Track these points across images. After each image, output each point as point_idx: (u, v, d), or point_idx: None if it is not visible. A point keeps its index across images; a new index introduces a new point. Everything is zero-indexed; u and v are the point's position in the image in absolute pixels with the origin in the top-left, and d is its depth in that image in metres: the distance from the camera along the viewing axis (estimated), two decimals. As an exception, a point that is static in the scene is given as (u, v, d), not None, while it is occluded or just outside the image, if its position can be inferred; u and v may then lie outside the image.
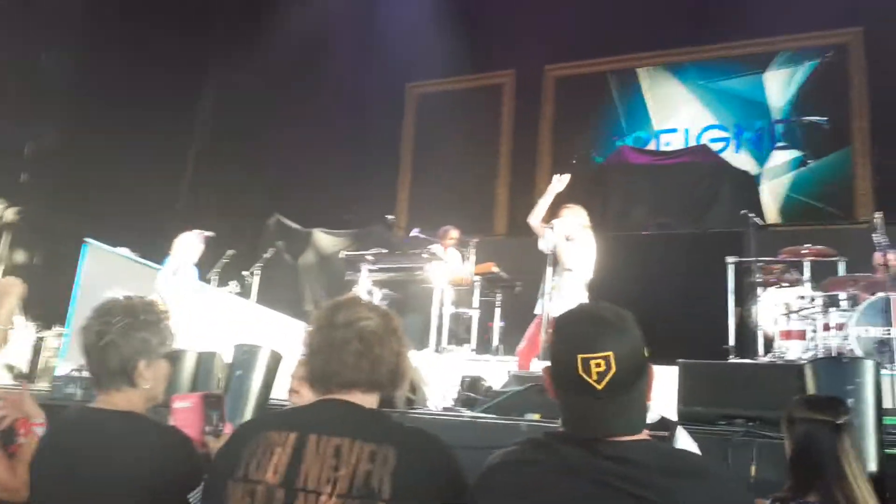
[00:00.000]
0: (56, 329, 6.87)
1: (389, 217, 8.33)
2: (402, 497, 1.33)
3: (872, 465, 2.46)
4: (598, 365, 1.21)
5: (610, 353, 1.21)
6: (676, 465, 1.21)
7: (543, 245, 5.59)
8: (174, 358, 1.92)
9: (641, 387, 1.26)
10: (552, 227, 5.42)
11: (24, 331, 7.13)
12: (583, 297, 5.38)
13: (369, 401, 1.53)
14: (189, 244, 6.25)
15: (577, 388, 1.23)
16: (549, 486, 1.19)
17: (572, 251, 5.44)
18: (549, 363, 1.34)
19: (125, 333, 1.76)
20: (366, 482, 1.34)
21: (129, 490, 1.64)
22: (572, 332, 1.28)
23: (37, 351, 6.85)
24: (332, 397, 1.50)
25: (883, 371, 3.02)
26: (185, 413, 2.00)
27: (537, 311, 5.52)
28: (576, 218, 5.57)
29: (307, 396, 3.40)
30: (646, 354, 1.29)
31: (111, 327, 1.75)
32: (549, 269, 5.37)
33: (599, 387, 1.21)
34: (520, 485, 1.22)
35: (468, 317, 7.09)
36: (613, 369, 1.21)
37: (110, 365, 1.76)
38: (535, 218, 5.74)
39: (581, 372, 1.22)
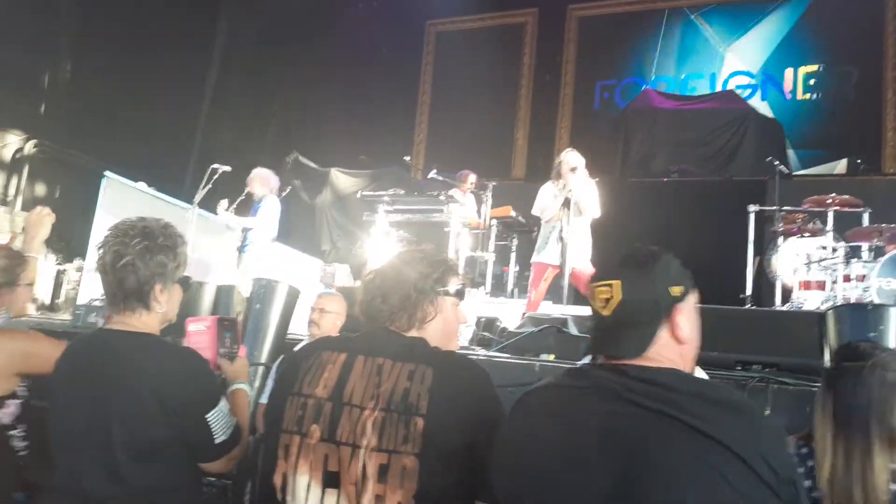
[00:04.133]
0: (77, 262, 6.96)
1: (407, 158, 8.24)
2: (438, 412, 1.43)
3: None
4: (601, 293, 1.32)
5: (616, 282, 1.31)
6: (711, 394, 1.22)
7: (546, 206, 5.37)
8: (187, 284, 1.89)
9: (660, 324, 1.31)
10: (573, 170, 5.22)
11: (45, 263, 7.23)
12: (590, 239, 5.30)
13: (411, 334, 1.62)
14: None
15: (594, 314, 1.35)
16: (583, 404, 1.24)
17: (589, 193, 5.30)
18: None
19: (143, 255, 1.74)
20: (404, 398, 1.45)
21: (147, 409, 1.66)
22: (599, 265, 1.41)
23: (58, 283, 6.95)
24: (379, 326, 1.62)
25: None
26: (199, 335, 2.02)
27: (547, 260, 5.34)
28: (582, 159, 5.36)
29: (326, 329, 3.45)
30: (673, 294, 1.32)
31: (129, 248, 1.73)
32: (566, 216, 5.14)
33: (604, 312, 1.31)
34: (556, 404, 1.29)
35: (484, 260, 7.09)
36: (618, 297, 1.30)
37: (127, 286, 1.75)
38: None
39: (592, 300, 1.34)
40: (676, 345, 1.31)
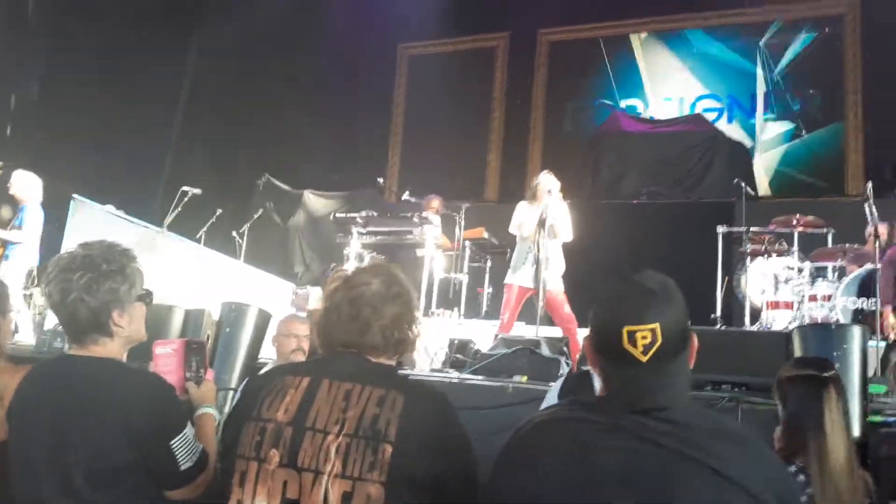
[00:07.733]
0: (44, 286, 6.80)
1: (380, 180, 8.26)
2: (407, 440, 1.39)
3: (856, 431, 2.48)
4: (644, 337, 1.20)
5: (656, 325, 1.20)
6: (722, 429, 1.22)
7: (523, 221, 5.37)
8: (149, 299, 1.83)
9: (685, 355, 1.27)
10: (549, 192, 5.27)
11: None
12: (563, 262, 5.33)
13: (381, 360, 1.58)
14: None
15: (622, 359, 1.22)
16: (602, 442, 1.19)
17: (563, 216, 5.34)
18: (589, 334, 1.32)
19: (89, 288, 1.69)
20: (372, 424, 1.40)
21: (109, 435, 1.62)
22: (618, 304, 1.26)
23: (26, 307, 6.79)
24: (345, 350, 1.56)
25: (869, 341, 3.05)
26: (166, 358, 1.99)
27: (522, 283, 5.33)
28: (557, 182, 5.41)
29: (307, 354, 3.41)
30: (688, 323, 1.29)
31: (73, 284, 1.68)
32: (542, 237, 5.11)
33: (644, 359, 1.20)
34: (572, 438, 1.22)
35: (458, 282, 7.10)
36: (659, 341, 1.20)
37: (81, 318, 1.71)
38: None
39: (627, 344, 1.21)
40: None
